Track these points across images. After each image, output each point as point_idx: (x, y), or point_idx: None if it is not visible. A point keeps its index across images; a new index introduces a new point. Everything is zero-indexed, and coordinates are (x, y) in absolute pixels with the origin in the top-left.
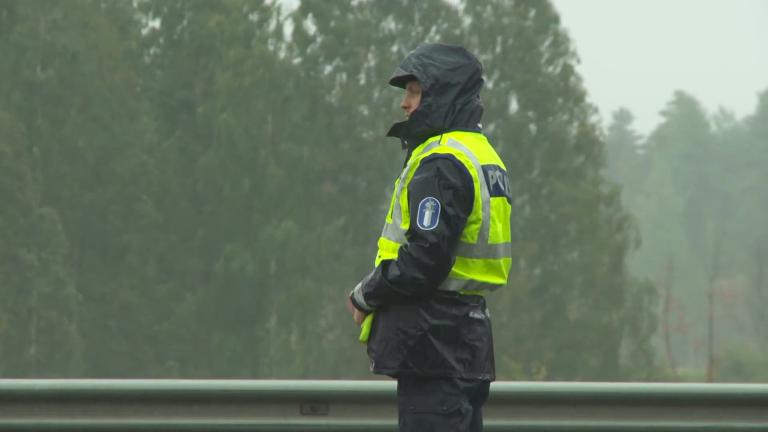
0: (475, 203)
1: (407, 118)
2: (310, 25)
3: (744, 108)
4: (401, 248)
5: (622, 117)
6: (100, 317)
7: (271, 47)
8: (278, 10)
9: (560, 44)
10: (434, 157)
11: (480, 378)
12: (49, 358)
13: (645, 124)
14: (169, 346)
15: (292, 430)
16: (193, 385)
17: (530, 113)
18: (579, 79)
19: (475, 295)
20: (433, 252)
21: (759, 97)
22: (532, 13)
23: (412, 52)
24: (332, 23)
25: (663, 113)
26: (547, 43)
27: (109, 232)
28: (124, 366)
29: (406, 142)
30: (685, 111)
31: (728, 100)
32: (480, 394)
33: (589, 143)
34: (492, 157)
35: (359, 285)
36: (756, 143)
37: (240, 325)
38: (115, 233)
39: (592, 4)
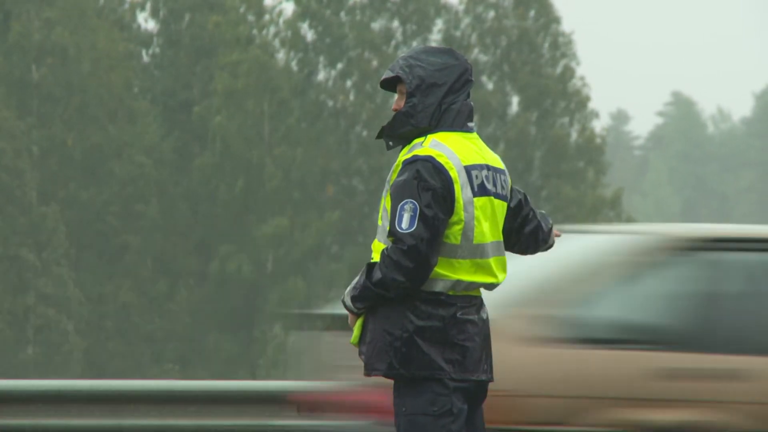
0: (456, 204)
1: (392, 117)
2: (307, 29)
3: (741, 109)
4: (383, 251)
5: (619, 118)
6: (98, 318)
7: (269, 49)
8: (279, 13)
9: (561, 46)
10: (414, 159)
11: (474, 378)
12: (47, 358)
13: (642, 124)
14: (165, 347)
15: (289, 431)
16: (189, 386)
17: (530, 115)
18: (585, 84)
19: (466, 295)
20: (411, 254)
21: (755, 98)
22: (532, 14)
23: (401, 54)
24: (329, 26)
25: (660, 114)
26: (547, 44)
27: (106, 232)
28: (121, 367)
29: (390, 143)
30: (682, 112)
31: (725, 100)
32: (478, 395)
33: (589, 149)
34: (480, 157)
35: (348, 288)
36: (753, 144)
37: (236, 325)
38: (113, 233)
39: (588, 5)
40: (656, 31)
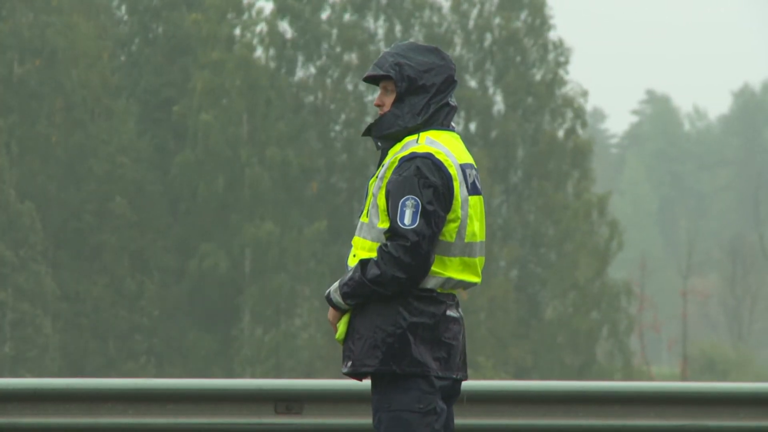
0: (454, 202)
1: (379, 117)
2: (287, 27)
3: (717, 107)
4: (380, 247)
5: (595, 116)
6: (74, 315)
7: (250, 47)
8: (259, 11)
9: (549, 46)
10: (413, 156)
11: (454, 377)
12: (23, 356)
13: (618, 123)
14: (143, 345)
15: (266, 429)
16: (167, 384)
17: (515, 114)
18: (583, 92)
19: (450, 293)
20: (413, 250)
21: (733, 95)
22: (522, 14)
23: (387, 50)
24: (309, 24)
25: (635, 112)
26: (534, 44)
27: (84, 230)
28: (97, 364)
29: (379, 143)
30: (657, 110)
31: (701, 98)
32: (452, 393)
33: (575, 151)
34: (467, 156)
35: (336, 284)
36: (730, 142)
37: (214, 323)
38: (90, 231)
39: (562, 2)
40: (632, 29)
